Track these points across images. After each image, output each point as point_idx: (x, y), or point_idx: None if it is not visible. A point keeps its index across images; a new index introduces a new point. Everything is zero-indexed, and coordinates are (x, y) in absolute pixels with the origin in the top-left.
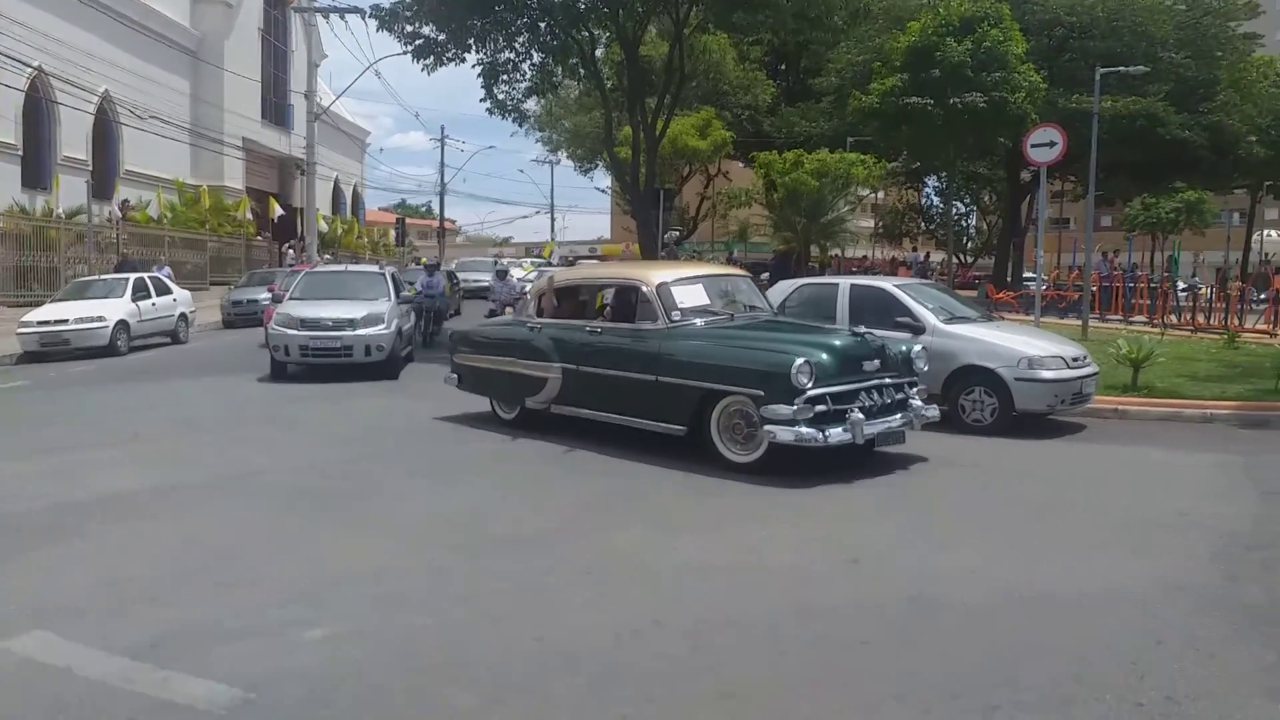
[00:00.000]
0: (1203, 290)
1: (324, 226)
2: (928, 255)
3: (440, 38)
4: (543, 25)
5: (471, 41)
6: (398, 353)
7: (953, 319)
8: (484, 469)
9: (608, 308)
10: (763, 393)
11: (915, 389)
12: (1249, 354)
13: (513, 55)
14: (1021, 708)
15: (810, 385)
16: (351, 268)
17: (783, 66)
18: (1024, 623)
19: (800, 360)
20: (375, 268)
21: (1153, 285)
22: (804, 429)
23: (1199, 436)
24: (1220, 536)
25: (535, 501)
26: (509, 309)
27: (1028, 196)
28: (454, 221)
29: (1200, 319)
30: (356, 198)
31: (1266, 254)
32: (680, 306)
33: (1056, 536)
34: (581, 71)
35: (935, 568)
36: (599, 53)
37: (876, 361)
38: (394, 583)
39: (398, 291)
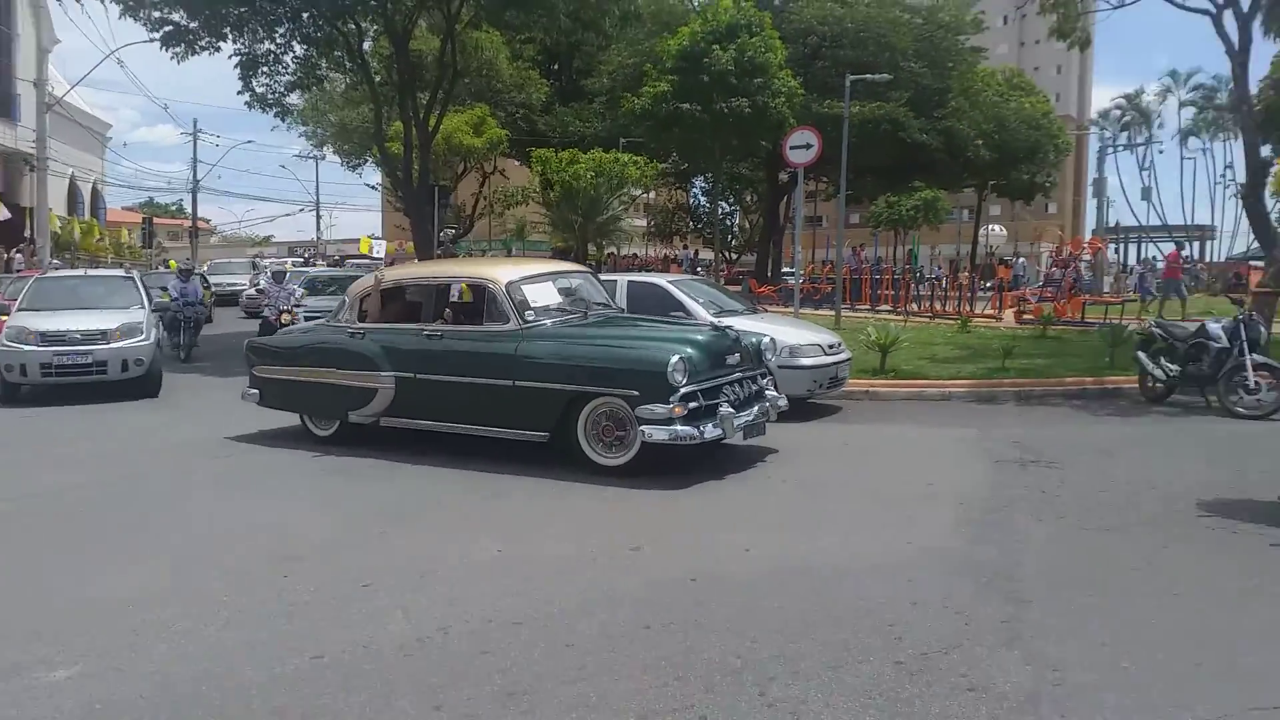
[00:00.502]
0: (939, 281)
1: (58, 228)
2: (696, 253)
3: (192, 25)
4: (305, 16)
5: (227, 30)
6: (159, 367)
7: (722, 312)
8: (266, 485)
9: (447, 310)
10: (638, 392)
11: (766, 379)
12: (979, 337)
13: (273, 47)
14: (797, 676)
15: (685, 382)
16: (92, 272)
17: (555, 66)
18: (797, 596)
19: (676, 358)
20: (120, 272)
21: (896, 277)
22: (680, 427)
23: (939, 413)
24: (962, 504)
25: (317, 514)
26: (288, 315)
27: (785, 196)
28: (208, 221)
29: (938, 306)
30: (96, 196)
31: (991, 247)
32: (534, 306)
33: (822, 512)
34: (348, 65)
35: (712, 549)
36: (367, 45)
37: (737, 355)
38: (154, 611)
39: (149, 298)
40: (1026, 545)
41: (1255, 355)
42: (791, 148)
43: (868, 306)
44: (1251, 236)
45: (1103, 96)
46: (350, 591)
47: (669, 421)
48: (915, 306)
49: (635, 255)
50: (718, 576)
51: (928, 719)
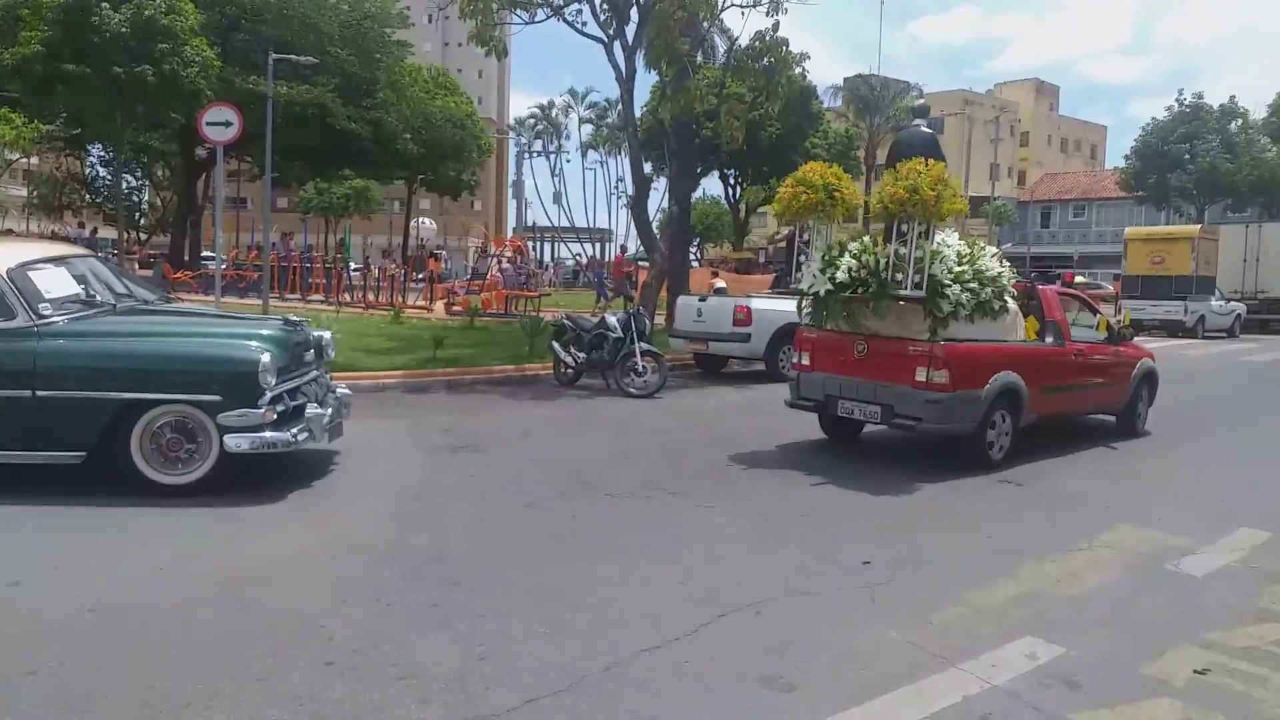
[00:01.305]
0: (372, 271)
1: None
2: (95, 231)
3: None
4: None
5: None
6: None
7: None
8: None
9: None
10: (220, 397)
11: (328, 376)
12: (412, 328)
13: None
14: (218, 697)
15: (275, 383)
16: None
17: None
18: (219, 611)
19: (267, 356)
20: None
21: (328, 266)
22: (271, 434)
23: (375, 405)
24: (394, 493)
25: None
26: None
27: (205, 174)
28: None
29: (371, 297)
30: None
31: (422, 239)
32: (48, 297)
33: (247, 518)
34: None
35: (121, 572)
36: None
37: (312, 351)
38: None
39: None
40: (455, 529)
41: (642, 344)
42: (209, 124)
43: (298, 296)
44: (639, 241)
45: (521, 104)
46: None
47: (259, 428)
48: (348, 297)
49: (10, 231)
50: (125, 603)
51: (360, 715)
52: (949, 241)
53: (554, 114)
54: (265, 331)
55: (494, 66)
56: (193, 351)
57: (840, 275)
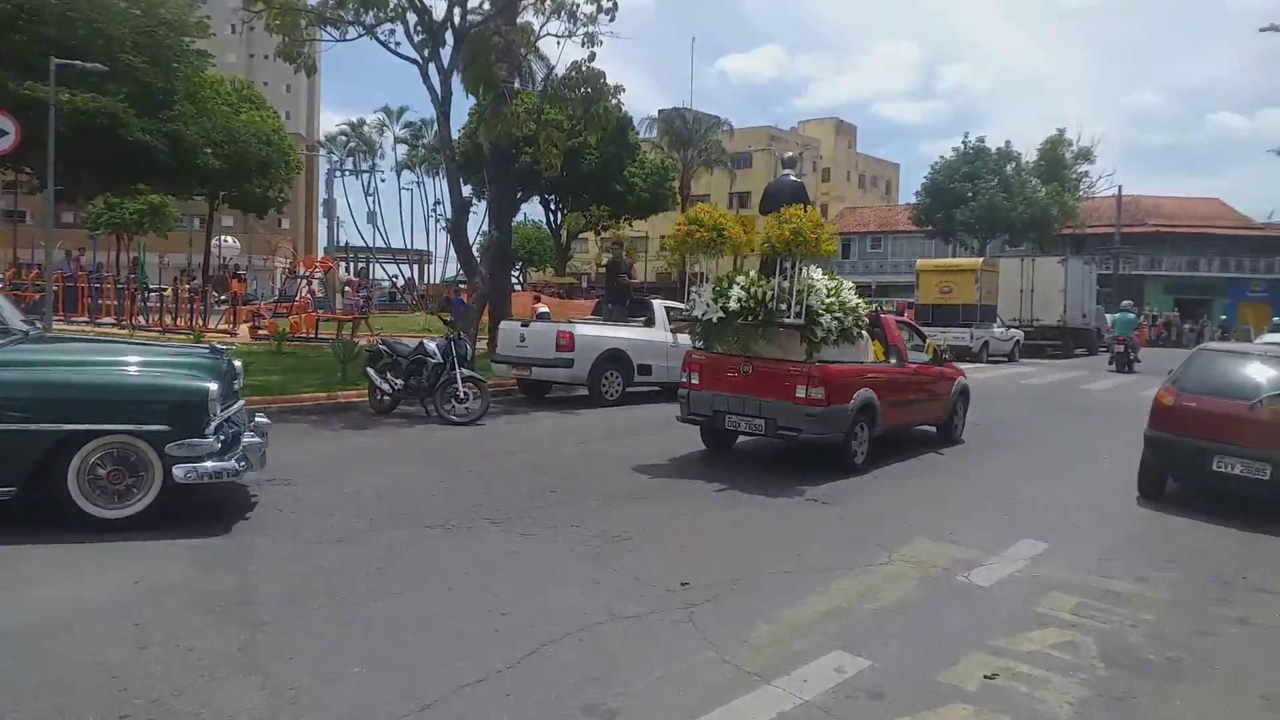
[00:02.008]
0: (169, 291)
1: None
2: None
3: None
4: None
5: None
6: None
7: None
8: None
9: None
10: (169, 427)
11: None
12: None
13: None
14: None
15: (220, 412)
16: None
17: None
18: (5, 664)
19: (214, 385)
20: None
21: (120, 286)
22: (216, 463)
23: None
24: (198, 530)
25: None
26: None
27: None
28: None
29: (168, 320)
30: None
31: (224, 259)
32: None
33: (36, 558)
34: None
35: None
36: None
37: (238, 380)
38: None
39: None
40: (264, 567)
41: (463, 369)
42: None
43: (86, 318)
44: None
45: (331, 121)
46: None
47: (205, 458)
48: (143, 319)
49: None
50: None
51: None
52: (816, 276)
53: (367, 132)
54: (199, 360)
55: (303, 81)
56: (138, 381)
57: (732, 304)
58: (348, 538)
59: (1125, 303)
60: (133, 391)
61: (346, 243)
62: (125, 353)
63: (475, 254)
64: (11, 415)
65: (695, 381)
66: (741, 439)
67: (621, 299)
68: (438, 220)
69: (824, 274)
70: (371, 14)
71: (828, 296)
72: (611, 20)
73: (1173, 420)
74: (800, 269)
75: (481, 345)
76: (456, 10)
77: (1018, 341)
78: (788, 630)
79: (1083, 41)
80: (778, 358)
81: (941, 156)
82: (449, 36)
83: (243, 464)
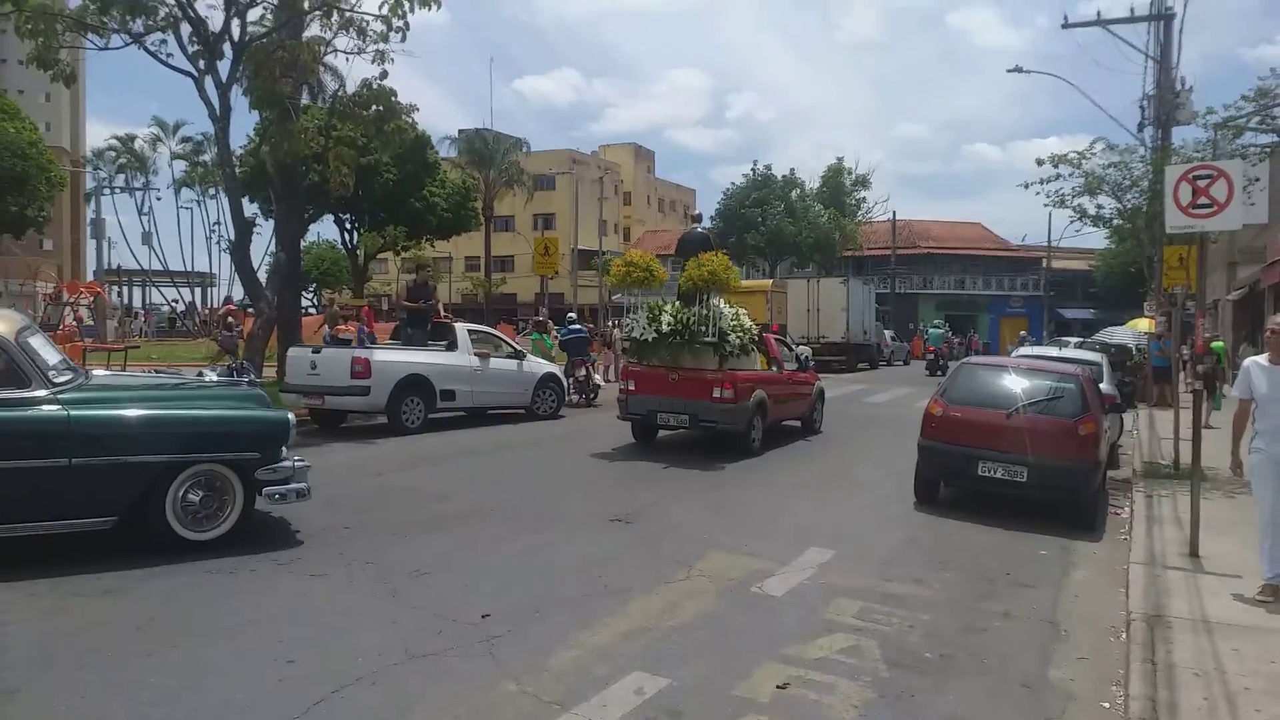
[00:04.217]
0: None
1: None
2: None
3: None
4: None
5: None
6: None
7: None
8: None
9: None
10: (259, 454)
11: None
12: None
13: None
14: None
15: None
16: None
17: None
18: None
19: (292, 415)
20: None
21: None
22: (295, 485)
23: None
24: None
25: None
26: None
27: None
28: None
29: None
30: None
31: None
32: (51, 364)
33: None
34: None
35: None
36: None
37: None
38: None
39: None
40: (16, 626)
41: None
42: None
43: None
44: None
45: (99, 134)
46: None
47: (287, 480)
48: None
49: None
50: None
51: None
52: (723, 306)
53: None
54: (254, 392)
55: (64, 90)
56: (232, 414)
57: (664, 327)
58: (116, 588)
59: (936, 320)
60: (228, 423)
61: (119, 265)
62: (185, 387)
63: (261, 277)
64: (124, 448)
65: (632, 388)
66: (662, 433)
67: (423, 322)
68: (219, 241)
69: (726, 303)
70: (139, 22)
71: (732, 320)
72: (403, 40)
73: (942, 429)
74: (710, 300)
75: (270, 373)
76: (235, 22)
77: (807, 357)
78: (589, 655)
79: (858, 75)
80: (698, 367)
81: (733, 183)
82: (227, 49)
83: (305, 484)
